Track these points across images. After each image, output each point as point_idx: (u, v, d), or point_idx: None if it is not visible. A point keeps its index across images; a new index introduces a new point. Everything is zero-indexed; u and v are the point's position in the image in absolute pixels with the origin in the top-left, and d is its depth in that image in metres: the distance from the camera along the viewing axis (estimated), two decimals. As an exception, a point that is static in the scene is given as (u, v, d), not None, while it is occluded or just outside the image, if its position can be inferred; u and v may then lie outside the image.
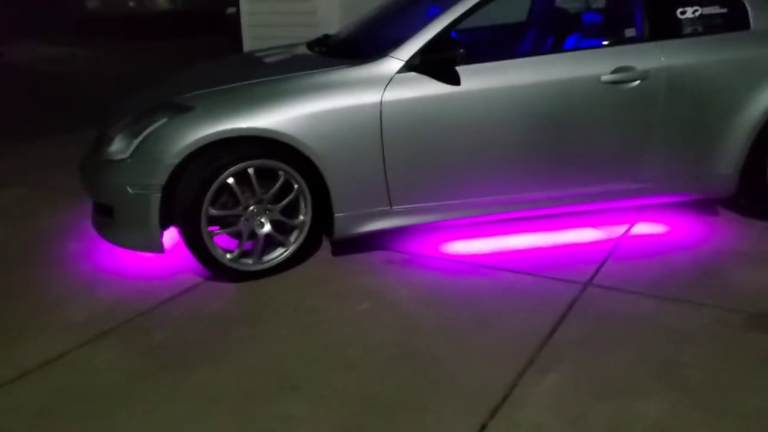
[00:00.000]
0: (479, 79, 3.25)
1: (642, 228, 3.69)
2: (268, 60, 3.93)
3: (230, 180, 3.11)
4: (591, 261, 3.34)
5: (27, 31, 12.62)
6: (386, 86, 3.19)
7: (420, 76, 3.22)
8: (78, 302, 3.11)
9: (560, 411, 2.26)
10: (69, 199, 4.33)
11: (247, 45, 9.40)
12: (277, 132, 3.09)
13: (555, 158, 3.40)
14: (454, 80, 3.22)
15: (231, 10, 9.78)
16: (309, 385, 2.45)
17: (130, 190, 3.09)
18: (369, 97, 3.18)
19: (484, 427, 2.20)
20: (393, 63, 3.23)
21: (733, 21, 3.53)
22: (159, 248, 3.16)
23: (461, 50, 3.12)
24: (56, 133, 6.21)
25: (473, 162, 3.33)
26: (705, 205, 3.83)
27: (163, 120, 3.10)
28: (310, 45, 4.05)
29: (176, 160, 3.04)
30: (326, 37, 4.20)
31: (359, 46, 3.77)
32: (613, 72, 3.34)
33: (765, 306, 2.88)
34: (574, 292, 3.05)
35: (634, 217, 3.79)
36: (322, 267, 3.39)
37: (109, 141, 3.23)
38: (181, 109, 3.12)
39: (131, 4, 10.89)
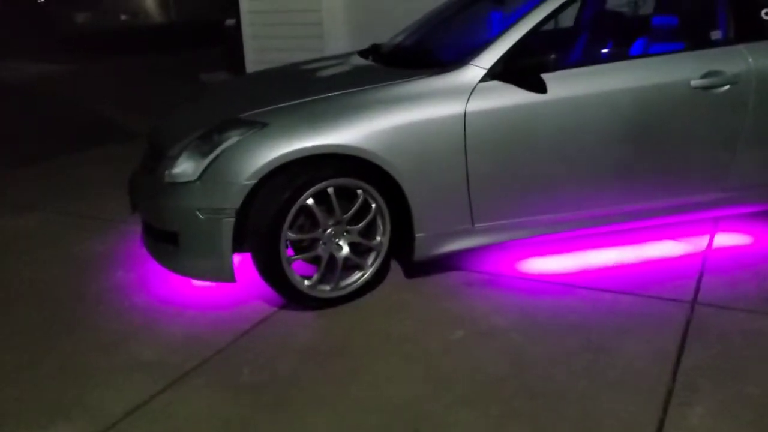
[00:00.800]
0: (565, 87, 3.05)
1: (724, 239, 3.52)
2: (324, 72, 3.71)
3: (310, 201, 2.87)
4: (685, 277, 3.16)
5: (15, 48, 12.24)
6: (469, 96, 2.98)
7: (504, 84, 3.02)
8: (144, 339, 2.84)
9: (723, 448, 2.06)
10: (96, 223, 4.08)
11: (249, 57, 9.18)
12: (359, 148, 2.87)
13: (645, 168, 3.21)
14: (541, 88, 3.02)
15: (230, 21, 9.53)
16: (435, 428, 2.21)
17: (200, 214, 2.84)
18: (452, 108, 2.97)
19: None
20: (475, 71, 3.02)
21: (817, 22, 3.38)
22: (231, 277, 2.90)
23: (552, 56, 2.92)
24: (56, 155, 5.92)
25: (560, 174, 3.14)
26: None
27: (236, 138, 2.85)
28: (364, 54, 3.83)
29: (253, 181, 2.80)
30: (376, 46, 3.98)
31: (426, 55, 3.56)
32: (703, 77, 3.16)
33: None
34: (683, 311, 2.85)
35: (711, 228, 3.62)
36: (398, 292, 3.16)
37: (171, 161, 2.98)
38: (253, 127, 2.88)
39: (123, 17, 10.57)
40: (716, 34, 3.32)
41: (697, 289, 3.03)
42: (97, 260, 3.66)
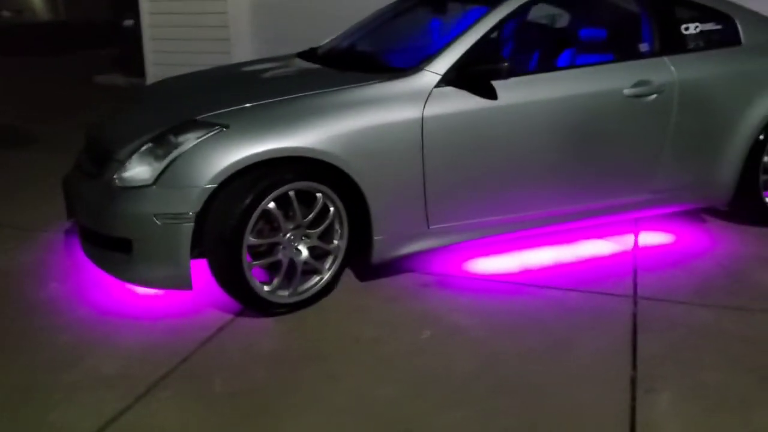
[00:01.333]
0: (513, 93, 3.18)
1: (649, 238, 3.76)
2: (271, 74, 3.66)
3: (271, 205, 2.83)
4: (621, 273, 3.35)
5: None
6: (426, 101, 3.04)
7: (458, 90, 3.10)
8: (101, 352, 2.70)
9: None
10: (13, 232, 3.87)
11: (150, 59, 8.86)
12: (322, 151, 2.86)
13: (584, 171, 3.40)
14: (491, 94, 3.13)
15: (128, 22, 9.14)
16: (425, 428, 2.24)
17: (156, 220, 2.73)
18: (410, 113, 3.02)
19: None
20: (430, 77, 3.09)
21: (727, 37, 3.71)
22: (188, 284, 2.81)
23: (504, 64, 3.03)
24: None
25: (509, 177, 3.26)
26: (690, 215, 3.94)
27: (194, 141, 2.77)
28: (306, 57, 3.82)
29: (214, 185, 2.73)
30: (315, 49, 3.98)
31: (373, 60, 3.60)
32: (634, 86, 3.39)
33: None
34: (628, 306, 3.04)
35: (634, 228, 3.85)
36: (355, 295, 3.16)
37: (121, 165, 2.85)
38: (212, 129, 2.80)
39: (5, 14, 9.89)
40: (644, 47, 3.56)
41: (635, 285, 3.23)
42: (26, 272, 3.42)
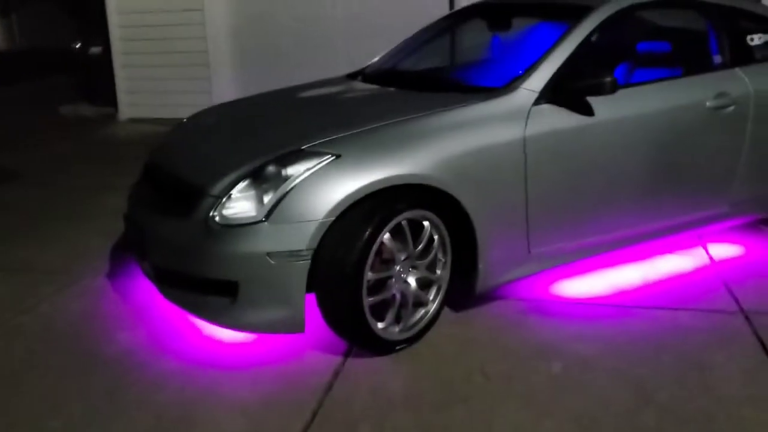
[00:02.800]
0: (608, 110, 3.08)
1: (720, 251, 3.72)
2: (346, 97, 3.51)
3: (386, 236, 2.63)
4: (713, 288, 3.29)
5: None
6: (527, 120, 2.91)
7: (555, 107, 2.99)
8: (213, 410, 2.43)
9: None
10: (47, 277, 3.54)
11: (121, 86, 8.52)
12: (434, 177, 2.69)
13: (674, 186, 3.33)
14: (588, 111, 3.03)
15: (95, 49, 8.75)
16: None
17: (270, 259, 2.49)
18: (512, 133, 2.88)
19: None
20: (527, 95, 2.97)
21: (786, 48, 3.73)
22: (301, 327, 2.58)
23: (608, 79, 2.92)
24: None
25: (605, 196, 3.16)
26: (748, 227, 3.92)
27: (306, 172, 2.55)
28: (365, 78, 3.65)
29: (332, 218, 2.51)
30: (365, 70, 3.82)
31: (450, 79, 3.45)
32: (715, 98, 3.35)
33: None
34: (740, 321, 2.96)
35: (699, 242, 3.80)
36: (456, 327, 2.98)
37: (215, 200, 2.60)
38: (322, 158, 2.59)
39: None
40: (717, 59, 3.54)
41: (736, 299, 3.17)
42: (81, 321, 3.10)
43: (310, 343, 2.82)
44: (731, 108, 3.39)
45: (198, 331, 2.97)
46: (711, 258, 3.64)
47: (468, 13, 4.09)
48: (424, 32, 4.05)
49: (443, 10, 6.12)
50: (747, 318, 3.00)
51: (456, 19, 4.11)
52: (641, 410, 2.37)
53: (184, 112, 7.78)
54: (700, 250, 3.73)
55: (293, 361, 2.73)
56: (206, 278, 2.61)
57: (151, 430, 2.34)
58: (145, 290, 3.31)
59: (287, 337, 2.83)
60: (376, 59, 3.97)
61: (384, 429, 2.30)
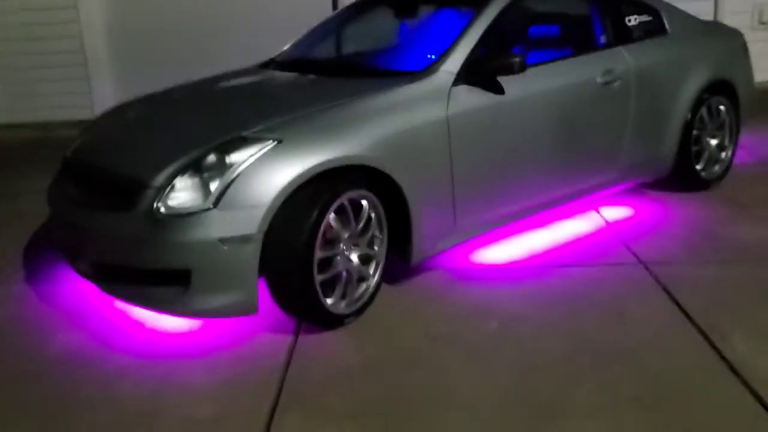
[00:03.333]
0: (516, 88, 3.34)
1: (612, 213, 4.11)
2: (270, 84, 3.58)
3: (332, 216, 2.76)
4: (613, 245, 3.65)
5: None
6: (448, 100, 3.12)
7: (470, 87, 3.22)
8: (177, 398, 2.46)
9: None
10: None
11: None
12: (372, 157, 2.84)
13: (573, 155, 3.66)
14: (499, 90, 3.28)
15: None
16: (600, 413, 2.31)
17: (222, 245, 2.55)
18: (437, 113, 3.08)
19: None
20: (446, 77, 3.17)
21: (657, 27, 4.17)
22: (255, 308, 2.66)
23: (516, 59, 3.17)
24: None
25: (517, 168, 3.43)
26: (634, 191, 4.35)
27: (251, 158, 2.62)
28: (278, 67, 3.74)
29: (280, 201, 2.61)
30: (274, 59, 3.91)
31: (367, 64, 3.59)
32: (603, 74, 3.71)
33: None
34: (641, 271, 3.32)
35: (592, 206, 4.18)
36: (394, 299, 3.15)
37: (158, 191, 2.62)
38: (264, 144, 2.67)
39: None
40: (603, 39, 3.90)
41: (634, 253, 3.54)
42: (14, 328, 3.00)
43: (258, 326, 2.89)
44: (617, 83, 3.77)
45: (140, 324, 2.96)
46: (606, 220, 4.02)
47: (373, 1, 4.25)
48: (329, 22, 4.18)
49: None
50: (647, 267, 3.36)
51: (361, 8, 4.25)
52: (576, 354, 2.64)
53: (64, 114, 7.48)
54: (595, 214, 4.10)
55: (245, 344, 2.80)
56: (156, 269, 2.63)
57: (115, 427, 2.34)
58: (72, 292, 3.25)
59: (234, 322, 2.89)
60: (286, 47, 4.05)
61: (353, 397, 2.43)
